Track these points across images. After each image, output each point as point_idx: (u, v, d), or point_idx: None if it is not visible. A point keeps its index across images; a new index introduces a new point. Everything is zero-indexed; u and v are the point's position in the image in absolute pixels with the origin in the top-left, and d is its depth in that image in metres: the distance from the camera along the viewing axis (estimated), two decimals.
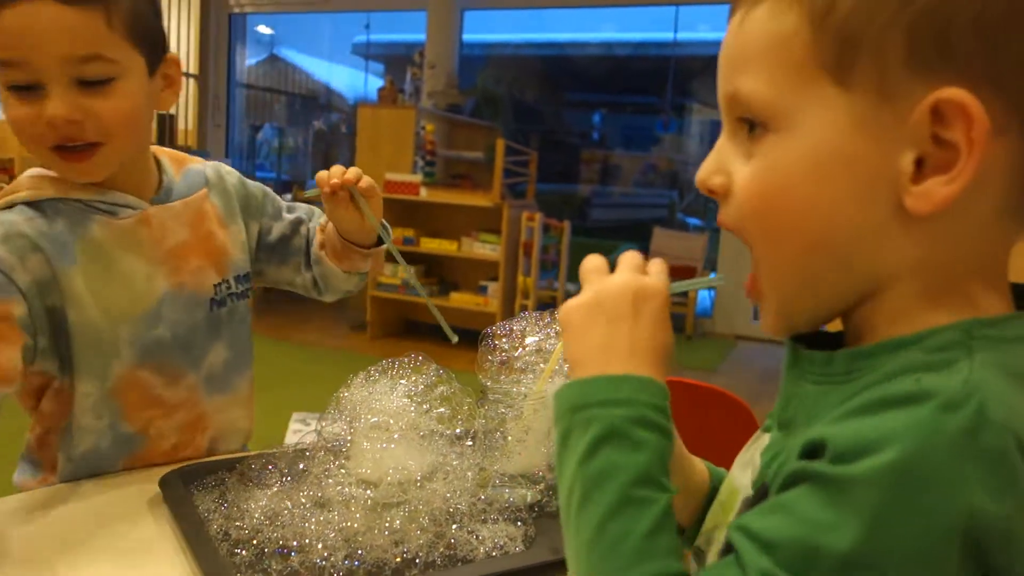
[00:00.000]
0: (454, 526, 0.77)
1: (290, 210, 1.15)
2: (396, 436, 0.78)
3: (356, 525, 0.72)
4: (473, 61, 7.89)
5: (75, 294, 0.88)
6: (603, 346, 0.49)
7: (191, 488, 0.86)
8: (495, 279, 4.67)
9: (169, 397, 0.97)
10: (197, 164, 1.05)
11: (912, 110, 0.40)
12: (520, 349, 0.92)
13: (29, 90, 0.82)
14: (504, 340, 0.92)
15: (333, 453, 0.82)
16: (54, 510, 0.86)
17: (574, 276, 5.06)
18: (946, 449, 0.36)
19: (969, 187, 0.39)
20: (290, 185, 7.85)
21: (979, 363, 0.39)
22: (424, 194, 4.76)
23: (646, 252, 5.27)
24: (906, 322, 0.43)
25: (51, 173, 0.91)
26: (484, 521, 0.79)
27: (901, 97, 0.40)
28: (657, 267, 0.53)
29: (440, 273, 5.13)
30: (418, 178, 4.83)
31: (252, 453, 0.94)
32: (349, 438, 0.81)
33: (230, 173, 1.09)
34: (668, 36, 7.89)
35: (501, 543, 0.77)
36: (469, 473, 0.83)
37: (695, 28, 8.13)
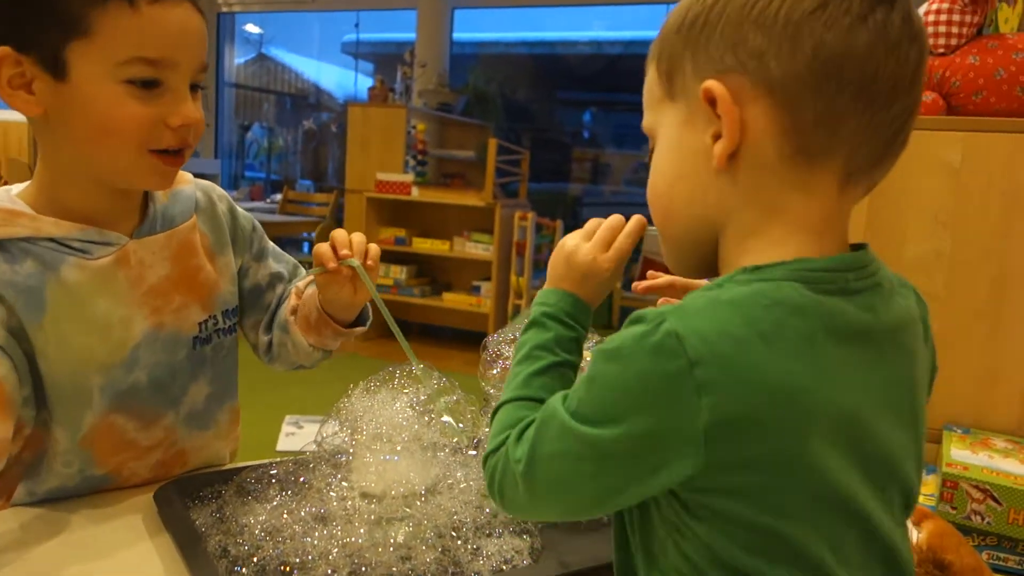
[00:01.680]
0: (459, 541, 0.74)
1: (273, 256, 1.07)
2: (399, 448, 0.76)
3: (360, 541, 0.70)
4: (463, 60, 7.85)
5: (44, 346, 0.81)
6: (559, 278, 0.71)
7: (187, 502, 0.83)
8: (488, 279, 4.64)
9: (144, 440, 0.91)
10: (188, 186, 0.96)
11: (699, 101, 0.57)
12: None
13: (148, 88, 0.78)
14: (506, 347, 0.90)
15: (334, 465, 0.80)
16: (40, 527, 0.82)
17: None
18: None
19: (741, 142, 0.55)
20: (280, 185, 7.79)
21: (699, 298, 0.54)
22: (416, 194, 4.73)
23: (638, 252, 5.22)
24: (727, 263, 0.60)
25: (18, 206, 0.81)
26: (489, 535, 0.77)
27: (694, 97, 0.57)
28: (619, 246, 0.71)
29: (432, 273, 5.10)
30: (410, 178, 4.79)
31: (249, 464, 0.91)
32: (352, 451, 0.78)
33: (221, 199, 1.01)
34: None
35: (508, 556, 0.74)
36: (473, 484, 0.81)
37: None
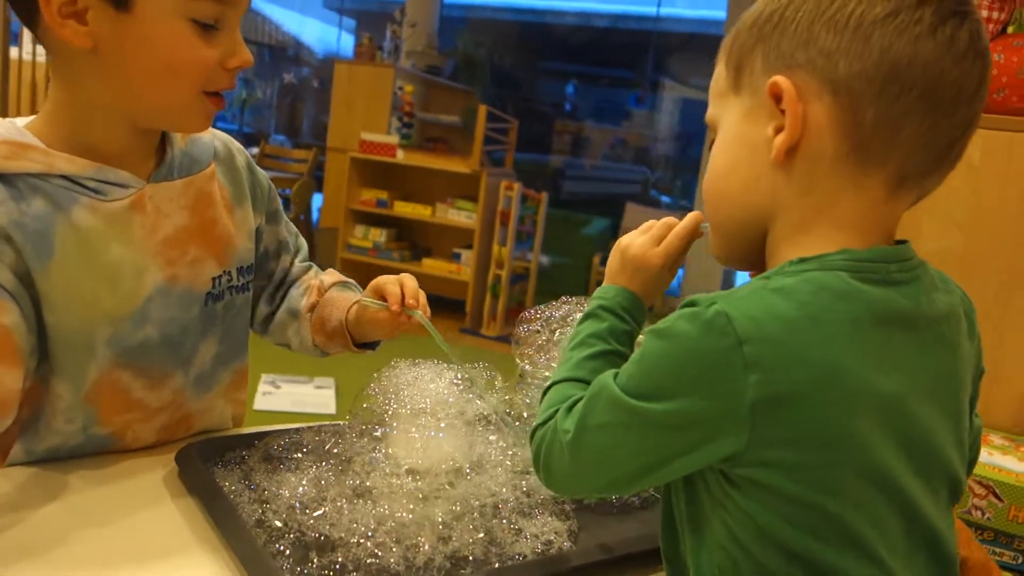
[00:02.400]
0: (502, 520, 0.73)
1: (283, 220, 1.03)
2: (443, 424, 0.74)
3: (405, 516, 0.68)
4: (451, 23, 7.71)
5: (51, 294, 0.76)
6: (615, 274, 0.74)
7: (209, 466, 0.80)
8: (469, 247, 4.60)
9: (152, 400, 0.87)
10: (206, 134, 0.91)
11: (765, 95, 0.58)
12: (559, 332, 0.88)
13: (209, 28, 0.74)
14: (538, 323, 0.88)
15: (372, 437, 0.77)
16: (42, 488, 0.78)
17: (549, 248, 4.99)
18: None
19: (801, 137, 0.57)
20: (254, 138, 7.62)
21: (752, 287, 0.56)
22: (401, 156, 4.65)
23: (617, 228, 5.22)
24: (776, 256, 0.61)
25: (29, 139, 0.75)
26: (528, 515, 0.75)
27: (760, 90, 0.59)
28: (669, 243, 0.73)
29: (412, 238, 5.04)
30: (395, 139, 4.71)
31: (273, 429, 0.88)
32: (395, 424, 0.75)
33: (240, 151, 0.96)
34: (650, 10, 7.81)
35: (549, 538, 0.73)
36: (510, 464, 0.79)
37: (676, 4, 8.07)
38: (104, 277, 0.79)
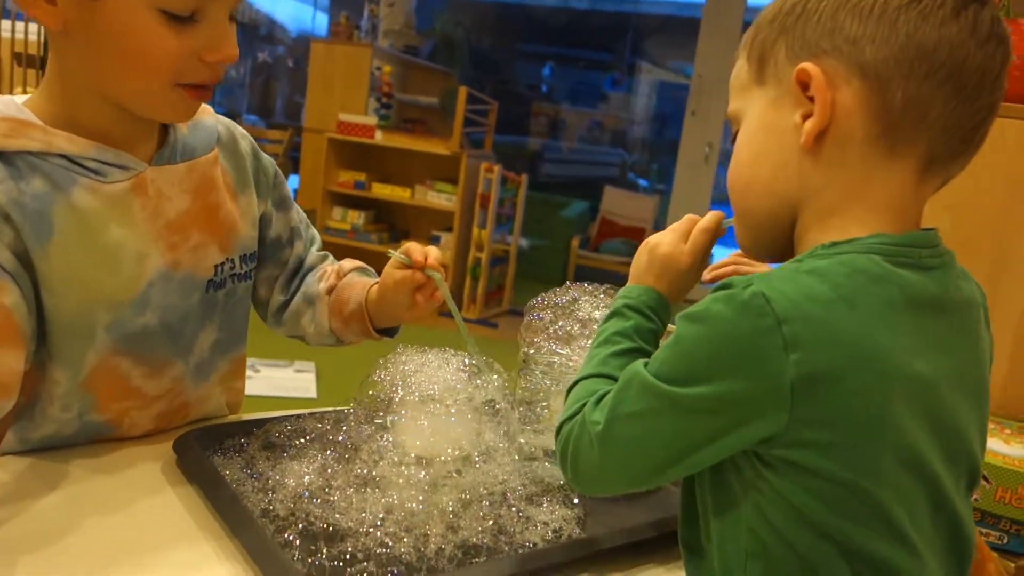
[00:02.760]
0: (511, 508, 0.72)
1: (291, 206, 1.01)
2: (454, 411, 0.72)
3: (415, 507, 0.67)
4: (429, 3, 7.63)
5: (50, 276, 0.74)
6: (641, 273, 0.73)
7: (209, 454, 0.78)
8: (449, 229, 4.58)
9: (150, 388, 0.85)
10: (209, 118, 0.89)
11: (791, 83, 0.59)
12: (562, 321, 0.87)
13: (182, 20, 0.71)
14: (548, 311, 0.87)
15: (378, 424, 0.75)
16: (40, 477, 0.76)
17: (529, 231, 4.97)
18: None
19: (831, 122, 0.57)
20: (228, 118, 7.49)
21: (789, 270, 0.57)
22: (379, 138, 4.60)
23: (596, 211, 5.20)
24: (805, 242, 0.61)
25: (28, 116, 0.73)
26: (537, 503, 0.75)
27: (785, 79, 0.60)
28: (695, 240, 0.73)
29: (391, 220, 5.00)
30: (373, 120, 4.66)
31: (272, 416, 0.86)
32: (404, 412, 0.74)
33: (244, 136, 0.94)
34: None
35: (558, 526, 0.72)
36: (516, 452, 0.78)
37: None
38: (104, 260, 0.77)
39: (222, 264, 0.88)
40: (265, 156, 0.96)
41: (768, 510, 0.55)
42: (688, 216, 0.75)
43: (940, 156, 0.58)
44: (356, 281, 0.98)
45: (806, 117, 0.58)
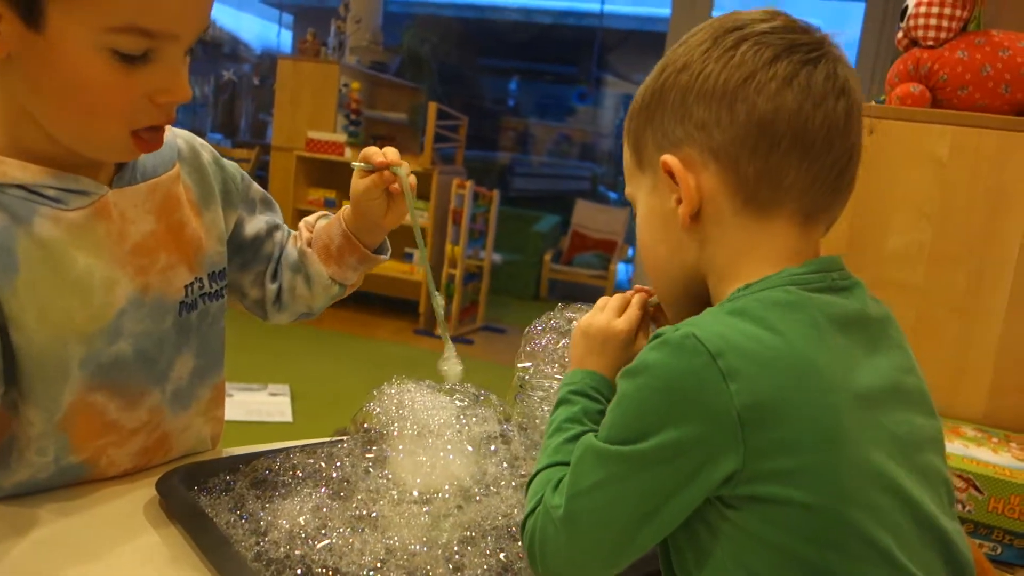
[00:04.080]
0: (515, 543, 0.69)
1: (264, 204, 0.98)
2: (449, 447, 0.70)
3: (417, 548, 0.64)
4: (395, 19, 7.61)
5: (18, 313, 0.70)
6: (581, 357, 0.73)
7: (195, 494, 0.75)
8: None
9: (127, 421, 0.81)
10: (166, 134, 0.82)
11: (661, 172, 0.63)
12: (563, 342, 0.85)
13: (134, 60, 0.66)
14: (547, 336, 0.85)
15: (372, 459, 0.72)
16: (11, 525, 0.72)
17: (501, 246, 4.97)
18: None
19: (699, 204, 0.61)
20: None
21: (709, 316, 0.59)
22: (349, 155, 4.56)
23: (567, 225, 5.24)
24: (720, 297, 0.63)
25: None
26: None
27: (657, 168, 0.63)
28: (629, 312, 0.74)
29: None
30: (342, 138, 4.62)
31: (260, 451, 0.83)
32: (401, 447, 0.71)
33: (204, 147, 0.90)
34: (594, 7, 7.83)
35: None
36: (515, 485, 0.75)
37: (619, 0, 8.11)
38: (74, 291, 0.73)
39: (191, 284, 0.85)
40: (228, 163, 0.93)
41: (749, 559, 0.54)
42: (619, 295, 0.76)
43: (815, 208, 0.61)
44: (327, 223, 0.97)
45: (679, 201, 0.62)
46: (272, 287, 0.98)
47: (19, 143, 0.72)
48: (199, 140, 0.90)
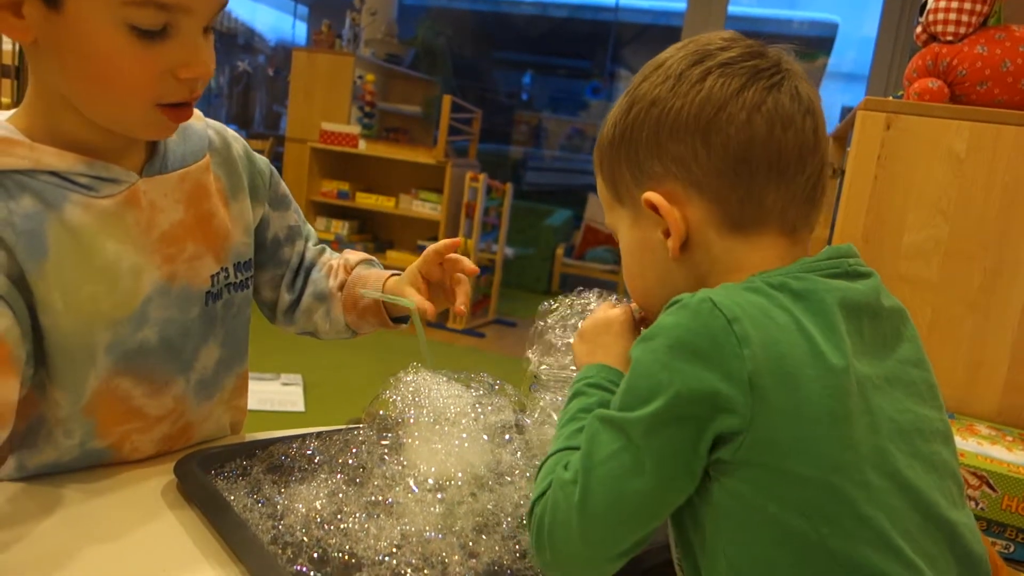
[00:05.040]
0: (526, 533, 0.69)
1: (288, 205, 0.99)
2: (464, 436, 0.70)
3: (432, 535, 0.64)
4: (410, 11, 7.61)
5: (46, 296, 0.71)
6: (589, 353, 0.73)
7: (212, 478, 0.76)
8: (434, 239, 4.55)
9: (152, 409, 0.82)
10: (198, 123, 0.86)
11: (644, 207, 0.64)
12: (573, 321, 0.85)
13: (152, 35, 0.67)
14: (557, 326, 0.85)
15: (388, 446, 0.73)
16: (35, 503, 0.73)
17: (514, 240, 4.99)
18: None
19: (686, 235, 0.63)
20: None
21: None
22: (363, 147, 4.57)
23: (580, 219, 5.24)
24: None
25: (13, 134, 0.70)
26: None
27: (638, 202, 0.64)
28: (622, 305, 0.77)
29: (375, 230, 4.97)
30: (356, 129, 4.63)
31: (276, 436, 0.83)
32: (416, 433, 0.71)
33: (236, 140, 0.91)
34: (609, 1, 7.80)
35: None
36: (528, 473, 0.76)
37: None
38: (101, 278, 0.74)
39: (217, 274, 0.86)
40: (259, 157, 0.94)
41: (744, 532, 0.55)
42: (610, 302, 0.79)
43: (796, 222, 0.63)
44: (367, 275, 0.98)
45: (666, 232, 0.63)
46: (287, 297, 0.99)
47: (55, 130, 0.73)
48: (231, 132, 0.91)
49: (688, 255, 0.64)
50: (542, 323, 0.85)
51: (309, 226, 1.04)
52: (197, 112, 0.85)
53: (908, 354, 0.63)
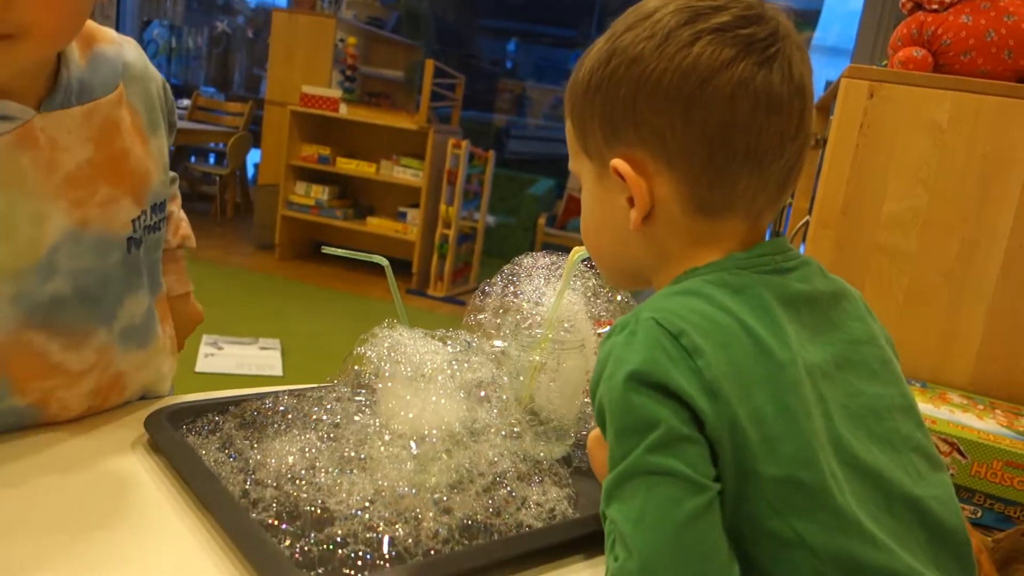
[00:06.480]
0: (501, 489, 0.69)
1: (174, 130, 0.90)
2: (441, 391, 0.69)
3: (407, 490, 0.64)
4: None
5: None
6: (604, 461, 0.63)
7: (182, 433, 0.75)
8: (416, 206, 4.52)
9: (73, 363, 0.76)
10: (110, 45, 0.77)
11: (611, 169, 0.61)
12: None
13: None
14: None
15: (359, 403, 0.72)
16: (7, 458, 0.71)
17: (496, 208, 4.98)
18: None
19: (650, 208, 0.61)
20: (183, 90, 7.28)
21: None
22: (344, 111, 4.51)
23: (562, 189, 5.24)
24: (661, 281, 0.64)
25: None
26: (528, 483, 0.72)
27: (606, 162, 0.62)
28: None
29: (355, 196, 4.93)
30: (337, 93, 4.57)
31: (248, 393, 0.82)
32: (390, 386, 0.71)
33: (155, 76, 0.83)
34: None
35: (551, 506, 0.70)
36: (509, 431, 0.75)
37: None
38: None
39: (138, 218, 0.79)
40: (157, 75, 0.86)
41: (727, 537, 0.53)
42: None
43: (763, 207, 0.62)
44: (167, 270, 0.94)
45: (629, 200, 0.61)
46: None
47: None
48: (146, 58, 0.83)
49: (649, 228, 0.62)
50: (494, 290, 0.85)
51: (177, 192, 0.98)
52: (111, 33, 0.79)
53: (856, 333, 0.62)
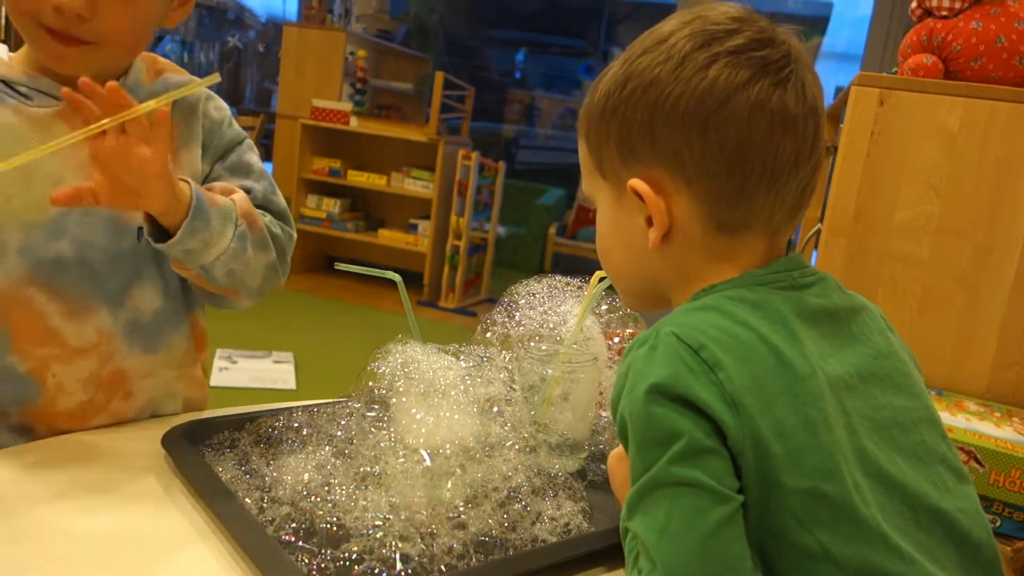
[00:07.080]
0: (515, 504, 0.69)
1: (248, 174, 0.92)
2: (453, 405, 0.70)
3: (419, 502, 0.64)
4: None
5: None
6: (625, 479, 0.64)
7: (199, 450, 0.75)
8: (426, 217, 4.53)
9: (71, 335, 0.81)
10: (178, 76, 0.88)
11: (628, 190, 0.62)
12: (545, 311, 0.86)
13: None
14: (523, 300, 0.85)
15: (375, 418, 0.73)
16: (21, 476, 0.72)
17: (505, 218, 4.99)
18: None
19: (669, 228, 0.61)
20: None
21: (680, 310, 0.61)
22: (355, 124, 4.54)
23: (572, 198, 5.24)
24: (679, 299, 0.65)
25: None
26: (543, 497, 0.72)
27: (622, 183, 0.62)
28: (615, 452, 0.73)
29: (367, 208, 4.95)
30: (348, 106, 4.59)
31: (263, 409, 0.83)
32: (404, 401, 0.71)
33: (219, 109, 0.90)
34: None
35: (567, 521, 0.70)
36: (518, 448, 0.75)
37: None
38: (16, 177, 0.76)
39: None
40: (236, 127, 0.93)
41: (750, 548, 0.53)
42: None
43: (780, 224, 0.62)
44: None
45: (648, 219, 0.62)
46: None
47: (30, 56, 0.81)
48: (218, 101, 0.91)
49: (667, 247, 0.62)
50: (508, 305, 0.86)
51: (280, 206, 0.96)
52: (182, 72, 0.88)
53: (879, 346, 0.63)
